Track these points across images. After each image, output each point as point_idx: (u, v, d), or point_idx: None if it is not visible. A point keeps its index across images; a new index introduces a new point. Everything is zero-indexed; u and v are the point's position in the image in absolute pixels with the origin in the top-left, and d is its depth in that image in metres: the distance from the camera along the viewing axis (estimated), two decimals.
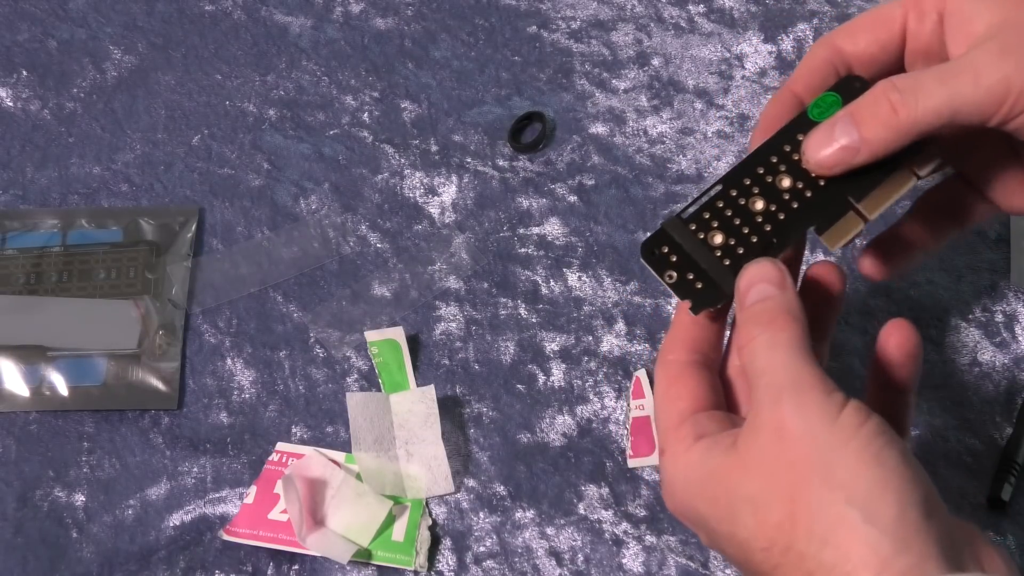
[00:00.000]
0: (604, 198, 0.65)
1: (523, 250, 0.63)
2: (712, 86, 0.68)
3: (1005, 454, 0.56)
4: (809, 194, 0.42)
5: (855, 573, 0.34)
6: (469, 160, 0.66)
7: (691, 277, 0.42)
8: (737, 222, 0.42)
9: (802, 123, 0.43)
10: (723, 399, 0.43)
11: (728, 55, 0.69)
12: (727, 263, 0.42)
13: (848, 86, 0.43)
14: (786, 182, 0.42)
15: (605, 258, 0.63)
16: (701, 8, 0.71)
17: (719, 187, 0.43)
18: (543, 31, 0.71)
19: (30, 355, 0.60)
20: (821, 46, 0.45)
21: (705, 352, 0.43)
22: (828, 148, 0.41)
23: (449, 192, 0.65)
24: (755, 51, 0.69)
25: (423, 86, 0.69)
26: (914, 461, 0.36)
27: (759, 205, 0.42)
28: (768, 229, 0.42)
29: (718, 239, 0.42)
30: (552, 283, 0.62)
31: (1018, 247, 0.62)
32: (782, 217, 0.42)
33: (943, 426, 0.58)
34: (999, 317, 0.61)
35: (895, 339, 0.42)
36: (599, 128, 0.67)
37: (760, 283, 0.41)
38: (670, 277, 0.42)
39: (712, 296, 0.42)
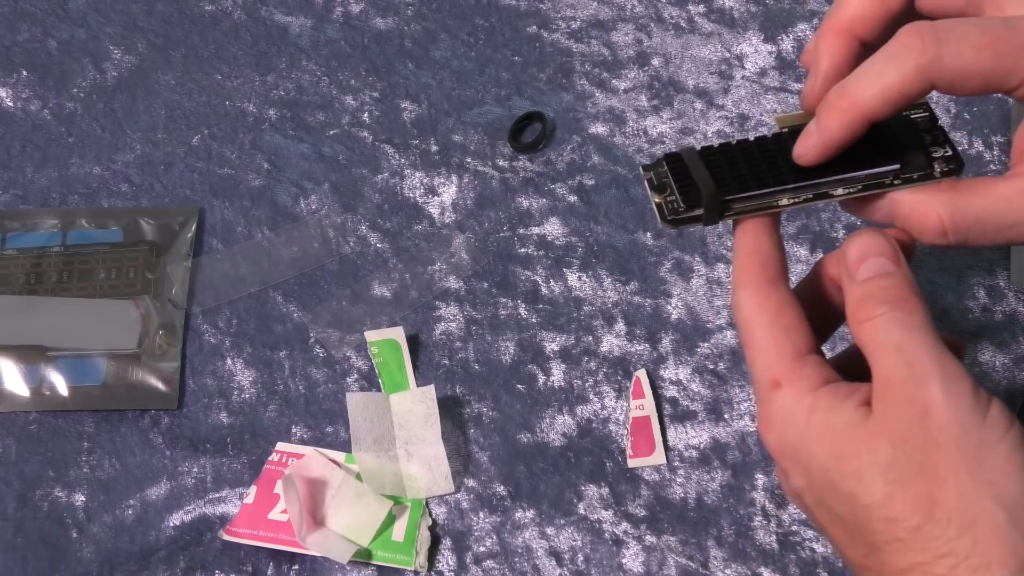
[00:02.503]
0: (604, 198, 0.65)
1: (523, 250, 0.63)
2: (712, 86, 0.68)
3: None
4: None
5: (989, 568, 0.34)
6: (469, 160, 0.66)
7: (680, 204, 0.41)
8: (745, 164, 0.42)
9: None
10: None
11: (728, 55, 0.69)
12: (723, 194, 0.41)
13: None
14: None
15: (605, 258, 0.63)
16: (701, 8, 0.71)
17: (737, 140, 0.42)
18: (543, 31, 0.71)
19: (30, 355, 0.60)
20: None
21: (788, 279, 0.41)
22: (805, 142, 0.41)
23: (449, 192, 0.65)
24: (755, 51, 0.69)
25: (423, 86, 0.69)
26: None
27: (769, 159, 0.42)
28: (778, 174, 0.41)
29: (720, 170, 0.41)
30: (552, 283, 0.62)
31: (1018, 247, 0.62)
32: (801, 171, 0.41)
33: None
34: (999, 317, 0.61)
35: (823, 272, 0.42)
36: (599, 128, 0.67)
37: (873, 256, 0.39)
38: (661, 197, 0.42)
39: (696, 217, 0.41)
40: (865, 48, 0.42)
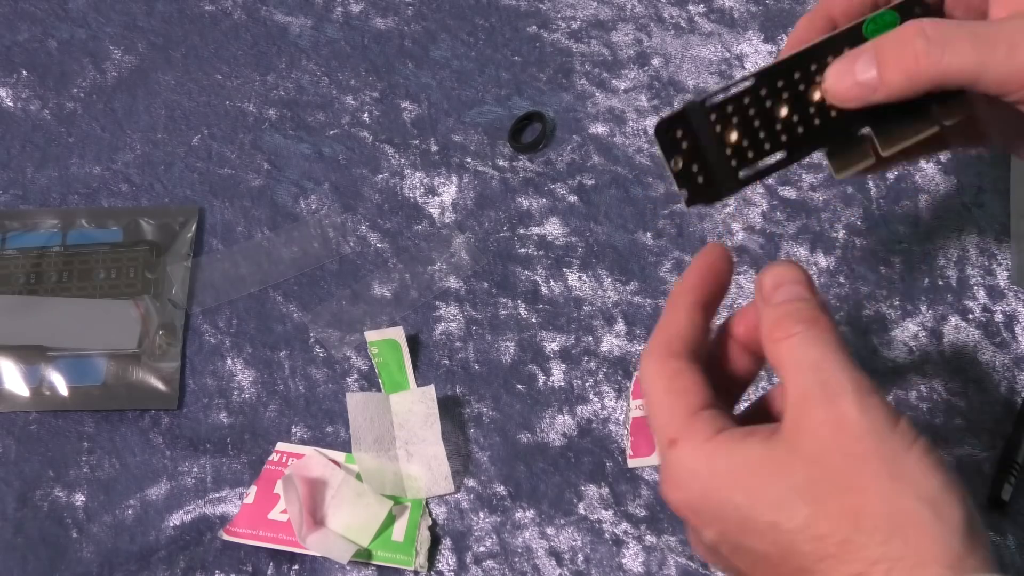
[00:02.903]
0: (604, 198, 0.65)
1: (523, 250, 0.63)
2: (712, 86, 0.68)
3: (1005, 454, 0.56)
4: (833, 114, 0.41)
5: (926, 566, 0.34)
6: (469, 160, 0.66)
7: (695, 169, 0.41)
8: (756, 124, 0.41)
9: (853, 37, 0.41)
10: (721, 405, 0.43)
11: (728, 55, 0.69)
12: (733, 164, 0.41)
13: (910, 9, 0.41)
14: (816, 95, 0.41)
15: (605, 258, 0.63)
16: (701, 8, 0.71)
17: (751, 82, 0.41)
18: (543, 31, 0.71)
19: (30, 355, 0.60)
20: None
21: (697, 352, 0.43)
22: (846, 81, 0.40)
23: (449, 192, 0.65)
24: (755, 51, 0.69)
25: (423, 86, 0.69)
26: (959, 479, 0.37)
27: (783, 112, 0.41)
28: (783, 139, 0.41)
29: (733, 136, 0.41)
30: (552, 283, 0.62)
31: (1018, 247, 0.62)
32: (800, 131, 0.41)
33: (943, 426, 0.58)
34: (999, 317, 0.61)
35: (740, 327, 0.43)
36: (599, 128, 0.67)
37: (789, 284, 0.40)
38: (675, 164, 0.41)
39: (709, 193, 0.41)
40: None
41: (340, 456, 0.57)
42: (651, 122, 0.67)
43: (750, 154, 0.41)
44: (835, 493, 0.36)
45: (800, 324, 0.39)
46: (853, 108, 0.40)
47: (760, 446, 0.38)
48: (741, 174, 0.41)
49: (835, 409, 0.37)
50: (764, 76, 0.41)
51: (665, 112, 0.42)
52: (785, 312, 0.39)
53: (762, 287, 0.41)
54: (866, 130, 0.41)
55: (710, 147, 0.41)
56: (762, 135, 0.41)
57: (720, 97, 0.41)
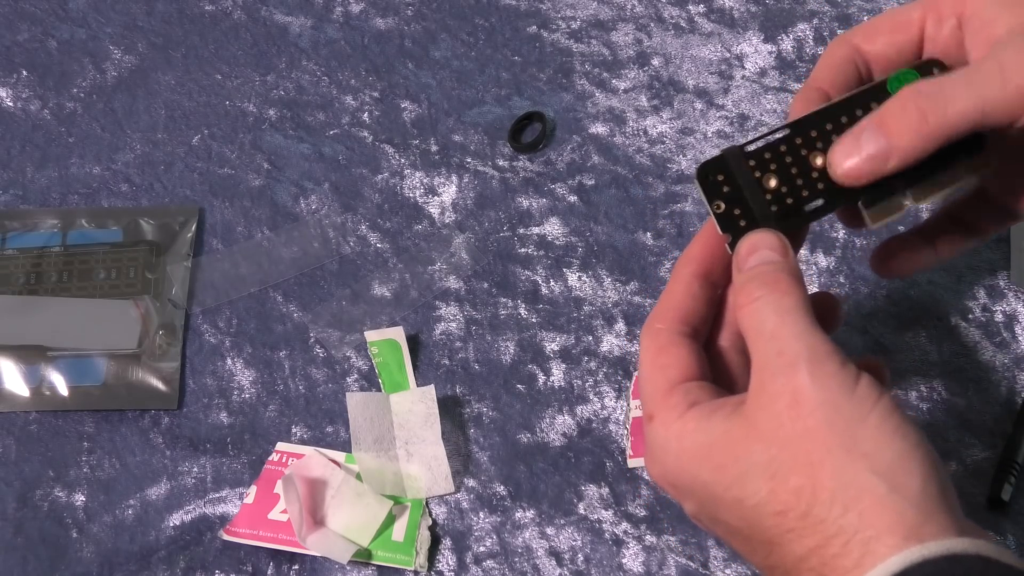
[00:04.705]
0: (604, 198, 0.65)
1: (523, 250, 0.63)
2: (712, 86, 0.68)
3: (1005, 454, 0.56)
4: None
5: (880, 538, 0.35)
6: (469, 160, 0.66)
7: (737, 213, 0.42)
8: (794, 171, 0.42)
9: (878, 92, 0.42)
10: (710, 372, 0.43)
11: (728, 55, 0.69)
12: (774, 209, 0.41)
13: (928, 69, 0.43)
14: None
15: (605, 258, 0.63)
16: (701, 8, 0.71)
17: (787, 131, 0.42)
18: (543, 31, 0.71)
19: (30, 355, 0.60)
20: (839, 44, 0.45)
21: (695, 325, 0.43)
22: (854, 158, 0.41)
23: (449, 192, 0.65)
24: (755, 51, 0.69)
25: (423, 86, 0.69)
26: (926, 438, 0.37)
27: (819, 161, 0.42)
28: (820, 188, 0.42)
29: (772, 183, 0.42)
30: (552, 283, 0.62)
31: (1018, 247, 0.62)
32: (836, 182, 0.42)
33: (943, 426, 0.58)
34: (999, 317, 0.61)
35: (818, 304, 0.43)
36: (599, 128, 0.67)
37: (762, 249, 0.41)
38: (718, 207, 0.42)
39: None
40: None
41: (340, 456, 0.57)
42: (651, 122, 0.67)
43: (789, 200, 0.42)
44: (793, 469, 0.37)
45: (762, 288, 0.39)
46: (864, 184, 0.41)
47: (724, 422, 0.39)
48: (781, 219, 0.42)
49: (790, 381, 0.37)
50: (798, 126, 0.42)
51: (705, 157, 0.43)
52: (750, 276, 0.40)
53: (737, 253, 0.41)
54: (902, 182, 0.41)
55: (750, 192, 0.42)
56: (800, 182, 0.42)
57: (757, 144, 0.42)
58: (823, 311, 0.43)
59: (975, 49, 0.42)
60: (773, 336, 0.38)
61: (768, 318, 0.39)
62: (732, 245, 0.42)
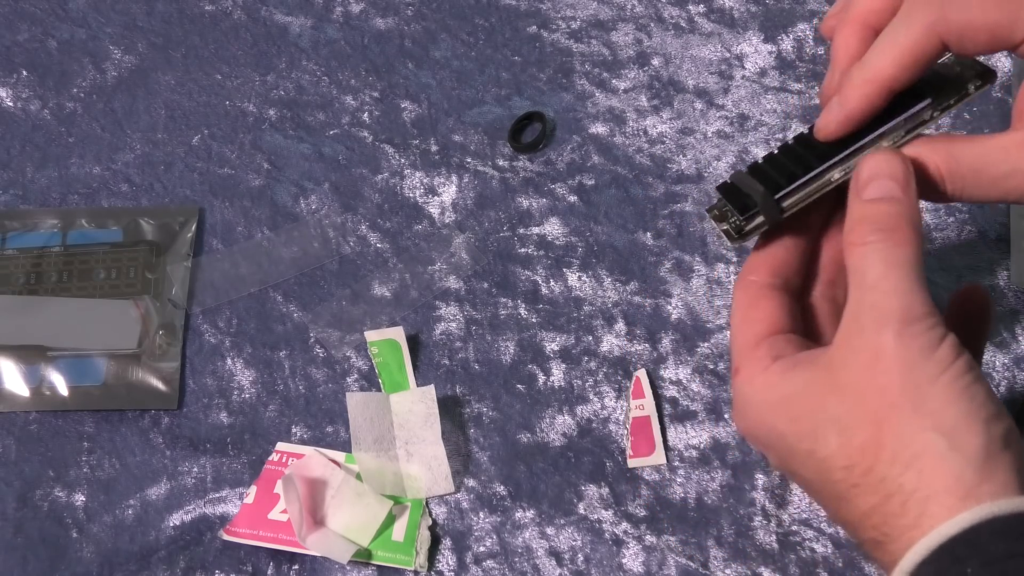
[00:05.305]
0: (604, 198, 0.65)
1: (523, 250, 0.63)
2: (712, 86, 0.68)
3: None
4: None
5: (936, 498, 0.35)
6: (469, 160, 0.66)
7: (735, 216, 0.42)
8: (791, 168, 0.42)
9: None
10: (801, 324, 0.43)
11: (728, 55, 0.69)
12: (766, 187, 0.42)
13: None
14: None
15: (605, 258, 0.63)
16: (701, 8, 0.71)
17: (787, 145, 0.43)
18: (543, 31, 0.71)
19: (30, 355, 0.60)
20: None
21: (787, 276, 0.43)
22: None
23: (449, 192, 0.65)
24: (755, 51, 0.69)
25: (423, 86, 0.69)
26: (995, 396, 0.37)
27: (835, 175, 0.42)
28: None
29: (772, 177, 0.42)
30: (552, 283, 0.62)
31: (1018, 247, 0.62)
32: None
33: None
34: (999, 317, 0.61)
35: (969, 295, 0.43)
36: (599, 128, 0.67)
37: (883, 178, 0.39)
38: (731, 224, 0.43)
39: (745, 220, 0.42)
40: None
41: (340, 456, 0.57)
42: (651, 122, 0.67)
43: (785, 179, 0.42)
44: (863, 424, 0.37)
45: (877, 232, 0.38)
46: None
47: (804, 374, 0.39)
48: (787, 198, 0.42)
49: (876, 337, 0.37)
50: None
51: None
52: (866, 214, 0.39)
53: (858, 176, 0.40)
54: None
55: (747, 190, 0.42)
56: (797, 162, 0.42)
57: (750, 163, 0.43)
58: (972, 307, 0.44)
59: None
60: (874, 286, 0.38)
61: (874, 266, 0.38)
62: (740, 238, 0.42)
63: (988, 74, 0.41)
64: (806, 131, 0.43)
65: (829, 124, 0.41)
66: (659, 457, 0.57)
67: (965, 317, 0.44)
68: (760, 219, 0.42)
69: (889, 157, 0.40)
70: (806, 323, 0.44)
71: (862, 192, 0.39)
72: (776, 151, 0.43)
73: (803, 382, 0.39)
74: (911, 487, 0.35)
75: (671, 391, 0.59)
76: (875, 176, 0.39)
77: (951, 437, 0.35)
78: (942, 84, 0.41)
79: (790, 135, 0.43)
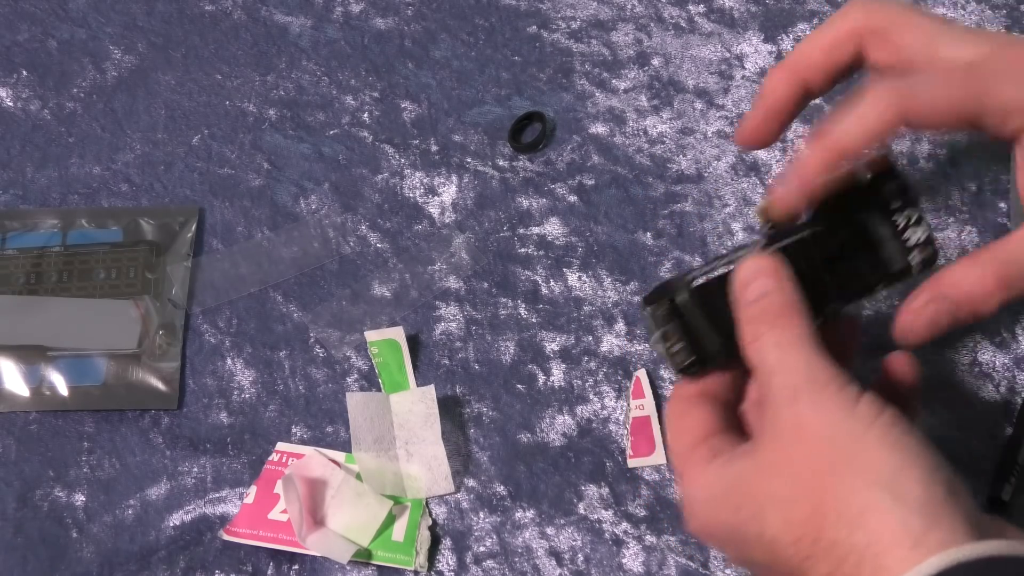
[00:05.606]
0: (604, 198, 0.65)
1: (523, 250, 0.63)
2: (712, 86, 0.68)
3: (1005, 454, 0.56)
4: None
5: (888, 551, 0.35)
6: (469, 160, 0.66)
7: (683, 346, 0.44)
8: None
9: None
10: (736, 426, 0.45)
11: (728, 55, 0.69)
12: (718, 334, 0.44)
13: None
14: None
15: (605, 258, 0.63)
16: (701, 8, 0.71)
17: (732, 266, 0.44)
18: (543, 31, 0.71)
19: (30, 355, 0.60)
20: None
21: (717, 391, 0.45)
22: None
23: (449, 192, 0.65)
24: (755, 51, 0.69)
25: (423, 86, 0.69)
26: (933, 446, 0.37)
27: None
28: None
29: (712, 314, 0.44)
30: (552, 283, 0.62)
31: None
32: None
33: (943, 426, 0.58)
34: (999, 317, 0.61)
35: (898, 367, 0.44)
36: (599, 128, 0.67)
37: (760, 279, 0.42)
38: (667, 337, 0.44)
39: (698, 366, 0.44)
40: (807, 95, 0.46)
41: (340, 456, 0.57)
42: (651, 122, 0.67)
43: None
44: (802, 496, 0.37)
45: (764, 325, 0.41)
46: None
47: (742, 463, 0.40)
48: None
49: (793, 412, 0.38)
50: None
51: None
52: (752, 314, 0.41)
53: (736, 284, 0.42)
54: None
55: (701, 334, 0.44)
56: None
57: (701, 279, 0.44)
58: (842, 335, 0.45)
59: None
60: (776, 371, 0.40)
61: (771, 352, 0.40)
62: (684, 372, 0.44)
63: (932, 253, 0.45)
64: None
65: (786, 196, 0.44)
66: (659, 457, 0.57)
67: (892, 388, 0.45)
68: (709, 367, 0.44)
69: (757, 260, 0.42)
70: (740, 431, 0.45)
71: (743, 297, 0.42)
72: (723, 273, 0.44)
73: (740, 471, 0.40)
74: (863, 544, 0.35)
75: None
76: (748, 281, 0.42)
77: (891, 489, 0.36)
78: (887, 235, 0.44)
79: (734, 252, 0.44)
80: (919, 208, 0.45)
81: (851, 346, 0.46)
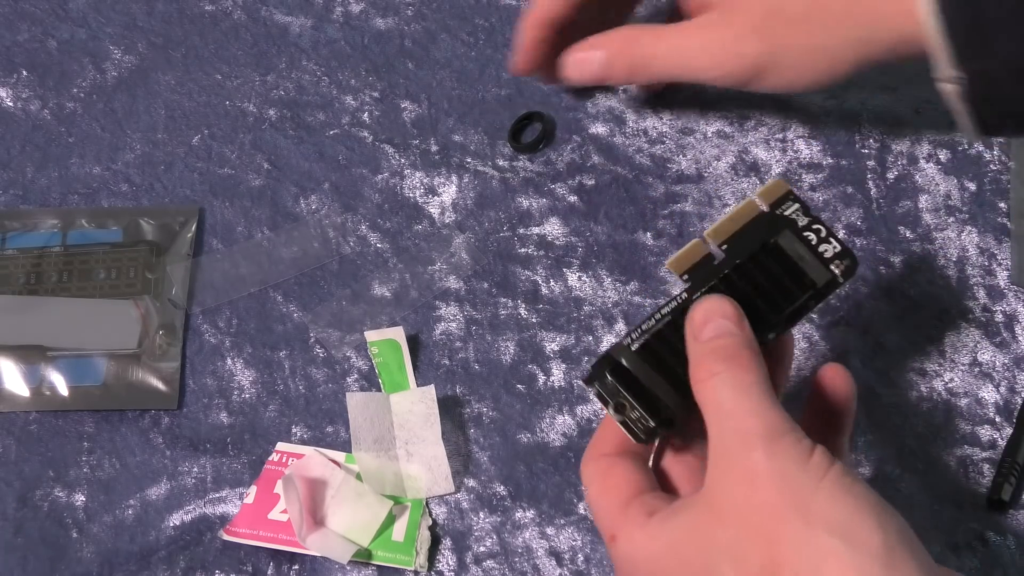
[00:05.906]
0: (604, 198, 0.65)
1: (523, 250, 0.63)
2: (712, 86, 0.68)
3: (1005, 454, 0.56)
4: None
5: None
6: (469, 160, 0.66)
7: (638, 413, 0.43)
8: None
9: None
10: (659, 485, 0.43)
11: None
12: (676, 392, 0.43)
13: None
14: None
15: (605, 258, 0.63)
16: None
17: (668, 319, 0.43)
18: None
19: (30, 355, 0.60)
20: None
21: (636, 446, 0.44)
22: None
23: (449, 192, 0.65)
24: None
25: (423, 86, 0.69)
26: (880, 496, 0.37)
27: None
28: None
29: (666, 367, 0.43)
30: (552, 283, 0.62)
31: (1018, 247, 0.62)
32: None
33: (943, 426, 0.58)
34: (999, 317, 0.61)
35: (831, 380, 0.44)
36: (599, 128, 0.67)
37: (717, 318, 0.41)
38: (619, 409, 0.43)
39: (655, 429, 0.43)
40: (554, 25, 0.60)
41: (340, 456, 0.57)
42: (651, 122, 0.67)
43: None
44: (755, 547, 0.36)
45: (719, 363, 0.40)
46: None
47: (685, 517, 0.39)
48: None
49: (746, 459, 0.37)
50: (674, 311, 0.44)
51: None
52: (708, 350, 0.40)
53: (691, 322, 0.42)
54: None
55: (657, 392, 0.43)
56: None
57: (639, 343, 0.43)
58: (835, 385, 0.44)
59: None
60: (731, 414, 0.38)
61: (727, 395, 0.39)
62: (641, 438, 0.43)
63: (852, 260, 0.45)
64: (679, 302, 0.44)
65: (516, 63, 0.61)
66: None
67: (825, 408, 0.44)
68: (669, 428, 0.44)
69: (719, 300, 0.42)
70: (663, 487, 0.44)
71: (699, 334, 0.41)
72: (658, 326, 0.43)
73: (686, 524, 0.39)
74: None
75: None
76: (709, 318, 0.41)
77: (847, 537, 0.35)
78: (807, 256, 0.45)
79: (665, 308, 0.44)
80: (823, 222, 0.45)
81: (784, 367, 0.46)
